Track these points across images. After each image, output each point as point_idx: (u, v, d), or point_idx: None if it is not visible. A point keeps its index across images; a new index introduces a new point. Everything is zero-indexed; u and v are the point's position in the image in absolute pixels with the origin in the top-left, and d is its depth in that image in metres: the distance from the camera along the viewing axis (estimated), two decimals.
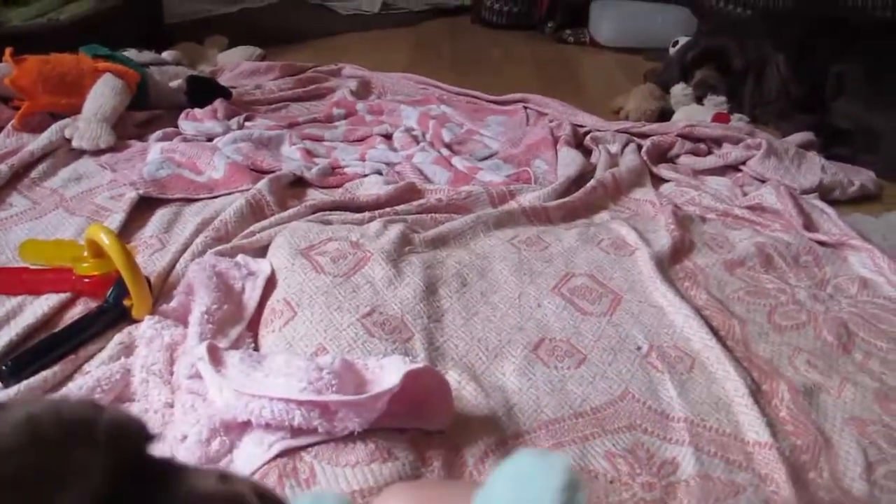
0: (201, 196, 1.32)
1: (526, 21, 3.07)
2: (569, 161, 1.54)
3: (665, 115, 1.99)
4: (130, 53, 1.70)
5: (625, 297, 1.10)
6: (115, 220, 1.20)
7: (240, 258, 1.08)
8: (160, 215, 1.25)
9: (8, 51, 1.54)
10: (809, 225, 1.40)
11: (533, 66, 2.58)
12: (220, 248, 1.12)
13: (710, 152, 1.72)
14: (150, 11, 2.26)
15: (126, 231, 1.20)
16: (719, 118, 1.87)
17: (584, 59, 2.76)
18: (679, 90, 2.02)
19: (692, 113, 1.92)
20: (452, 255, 1.14)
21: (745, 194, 1.55)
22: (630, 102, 1.96)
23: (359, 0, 3.26)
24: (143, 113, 1.65)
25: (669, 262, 1.22)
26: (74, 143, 1.45)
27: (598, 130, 1.75)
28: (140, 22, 2.12)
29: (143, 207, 1.28)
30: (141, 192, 1.27)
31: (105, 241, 0.96)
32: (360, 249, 1.09)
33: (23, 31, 1.83)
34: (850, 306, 1.15)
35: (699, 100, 2.05)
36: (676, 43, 2.67)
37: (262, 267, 1.05)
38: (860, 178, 1.68)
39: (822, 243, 1.34)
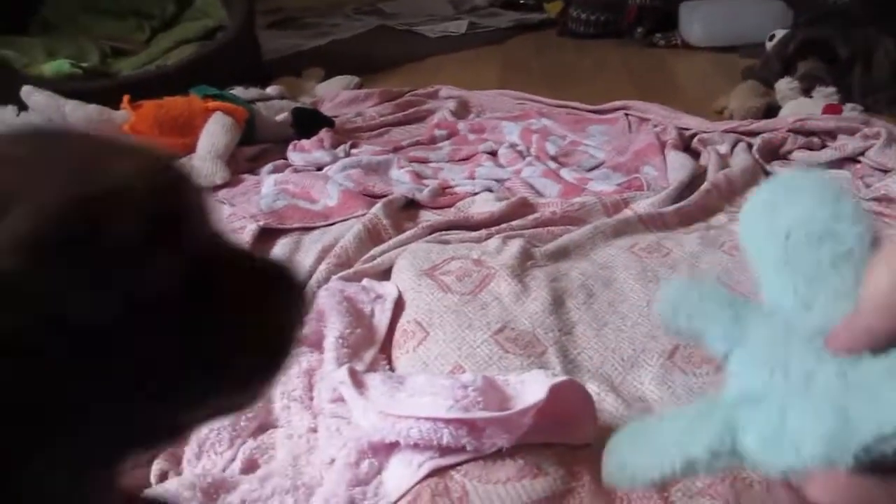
0: (318, 224, 1.34)
1: (614, 29, 3.04)
2: (679, 165, 1.51)
3: (772, 111, 1.93)
4: (237, 91, 1.75)
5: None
6: None
7: (365, 282, 1.10)
8: (282, 245, 1.28)
9: (125, 98, 1.61)
10: None
11: (626, 73, 2.55)
12: (343, 273, 1.14)
13: (824, 146, 1.66)
14: (250, 50, 2.32)
15: None
16: (831, 109, 1.80)
17: (679, 62, 2.72)
18: (785, 84, 1.96)
19: (801, 107, 1.86)
20: (575, 267, 1.13)
21: (867, 186, 1.49)
22: (733, 101, 1.91)
23: (445, 23, 3.29)
24: (254, 147, 1.69)
25: None
26: None
27: (705, 132, 1.71)
28: (241, 61, 2.18)
29: (265, 238, 1.31)
30: (261, 223, 1.30)
31: None
32: (483, 266, 1.09)
33: (134, 80, 1.91)
34: None
35: (806, 92, 1.98)
36: (773, 37, 2.60)
37: (388, 290, 1.06)
38: None
39: None
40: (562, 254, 1.16)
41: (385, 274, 1.16)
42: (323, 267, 1.16)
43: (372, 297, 1.05)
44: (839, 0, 2.88)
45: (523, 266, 1.10)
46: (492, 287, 1.04)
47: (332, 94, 2.12)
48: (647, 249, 1.20)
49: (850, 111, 1.81)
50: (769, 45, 2.60)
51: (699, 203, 1.37)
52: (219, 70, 2.05)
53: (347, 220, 1.35)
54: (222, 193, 1.49)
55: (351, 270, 1.15)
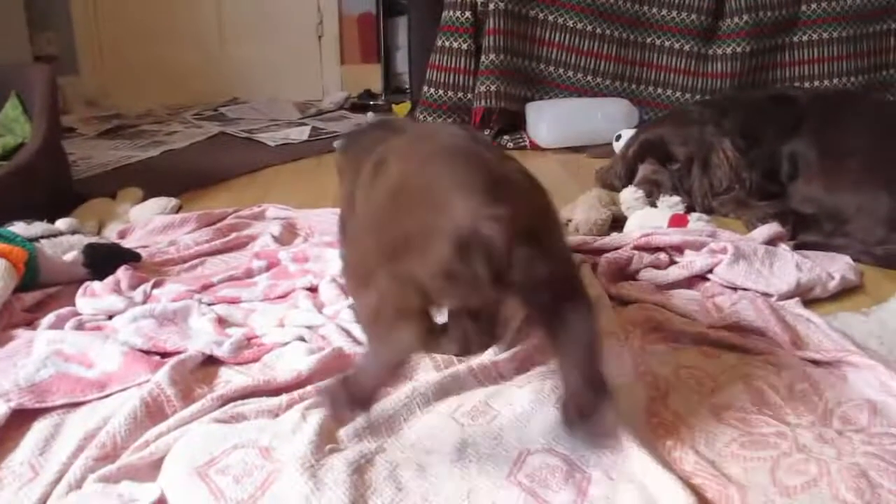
0: (90, 397, 1.11)
1: None
2: None
3: (619, 221, 1.84)
4: (17, 228, 1.51)
5: (593, 476, 0.91)
6: None
7: (123, 487, 0.88)
8: (37, 431, 1.04)
9: None
10: (797, 340, 1.24)
11: None
12: (103, 471, 0.92)
13: (672, 262, 1.56)
14: (54, 172, 2.08)
15: None
16: (677, 220, 1.72)
17: (526, 165, 2.61)
18: (630, 194, 1.87)
19: (646, 218, 1.77)
20: (383, 450, 0.94)
21: (717, 307, 1.39)
22: (578, 213, 1.80)
23: (288, 129, 3.13)
24: (36, 293, 1.45)
25: (645, 416, 1.03)
26: None
27: None
28: (42, 186, 1.93)
29: (22, 419, 1.07)
30: (12, 404, 1.07)
31: None
32: (269, 459, 0.89)
33: None
34: (864, 444, 0.97)
35: (650, 197, 1.91)
36: (619, 137, 2.57)
37: (145, 497, 0.85)
38: (838, 267, 1.54)
39: (814, 362, 1.17)
40: (369, 430, 0.98)
41: (160, 464, 0.94)
42: (80, 463, 0.93)
43: None
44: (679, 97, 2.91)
45: (320, 453, 0.90)
46: (276, 490, 0.84)
47: (145, 220, 1.90)
48: (472, 413, 1.03)
49: (697, 221, 1.73)
50: (615, 144, 2.57)
51: (538, 344, 1.22)
52: (13, 197, 1.80)
53: (128, 388, 1.13)
54: None
55: (114, 467, 0.92)
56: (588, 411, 0.89)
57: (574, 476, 0.90)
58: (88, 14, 4.00)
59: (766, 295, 1.40)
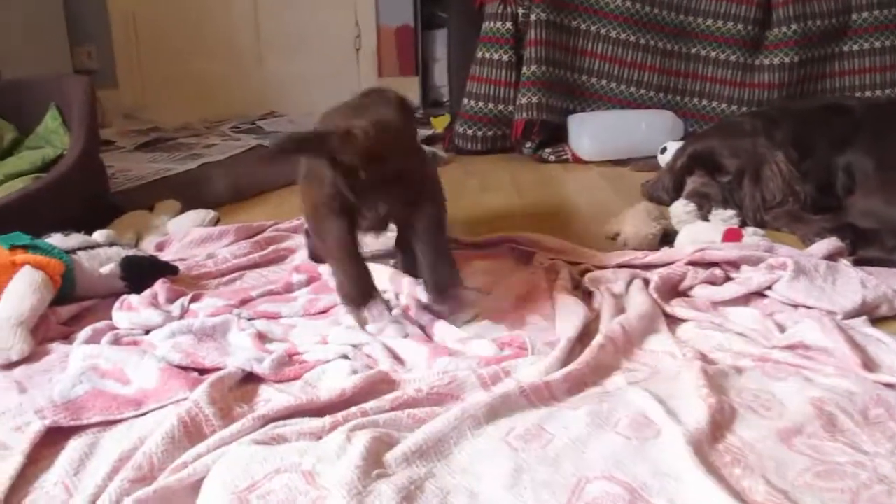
0: (126, 415, 1.07)
1: (503, 144, 2.91)
2: (568, 313, 1.31)
3: (668, 236, 1.77)
4: (54, 239, 1.48)
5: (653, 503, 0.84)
6: (8, 468, 0.94)
7: None
8: (71, 450, 1.00)
9: None
10: (868, 362, 1.16)
11: (514, 191, 2.39)
12: (140, 494, 0.87)
13: (727, 278, 1.49)
14: (92, 184, 2.06)
15: (24, 479, 0.95)
16: (731, 235, 1.65)
17: (569, 178, 2.58)
18: (681, 207, 1.81)
19: (698, 232, 1.70)
20: (433, 476, 0.88)
21: (778, 325, 1.32)
22: (627, 227, 1.74)
23: None
24: (73, 306, 1.43)
25: (710, 442, 0.97)
26: None
27: (598, 268, 1.53)
28: (79, 197, 1.92)
29: (57, 437, 1.03)
30: (47, 422, 1.03)
31: None
32: (314, 485, 0.84)
33: None
34: None
35: (701, 210, 1.84)
36: (665, 149, 2.51)
37: None
38: None
39: (888, 385, 1.10)
40: (418, 454, 0.92)
41: (198, 487, 0.90)
42: (115, 486, 0.89)
43: None
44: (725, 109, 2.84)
45: (367, 479, 0.85)
46: None
47: (183, 232, 1.87)
48: (525, 437, 0.97)
49: (752, 236, 1.65)
50: (660, 157, 2.50)
51: (591, 364, 1.16)
52: (51, 209, 1.79)
53: (165, 406, 1.09)
54: (18, 372, 1.21)
55: (151, 489, 0.88)
56: (443, 284, 1.32)
57: None
58: (128, 28, 4.02)
59: (830, 313, 1.33)
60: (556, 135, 2.84)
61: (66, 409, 1.06)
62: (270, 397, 1.12)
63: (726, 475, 0.91)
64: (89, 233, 1.61)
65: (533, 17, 2.77)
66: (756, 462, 0.93)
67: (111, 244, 1.55)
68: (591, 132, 2.73)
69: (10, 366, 1.23)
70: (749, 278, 1.43)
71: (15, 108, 2.33)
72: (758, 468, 0.92)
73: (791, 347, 1.21)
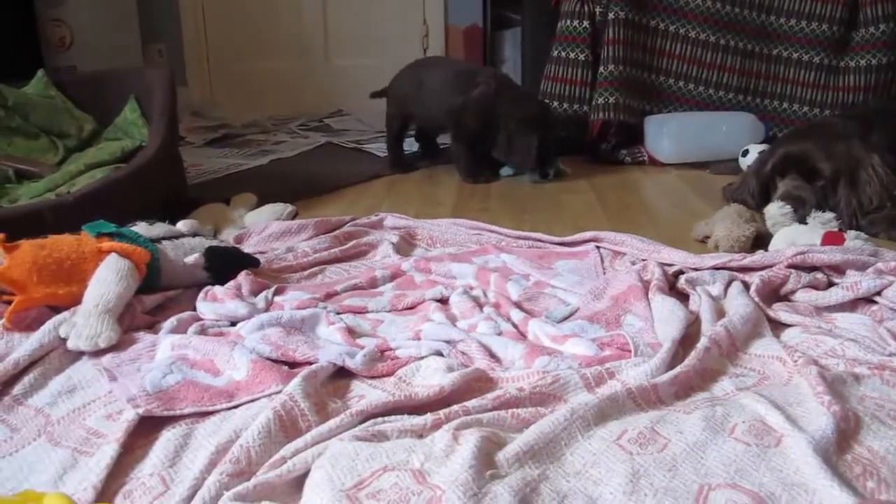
0: (219, 407, 1.05)
1: (577, 145, 2.85)
2: (667, 314, 1.25)
3: (760, 239, 1.70)
4: (139, 228, 1.47)
5: None
6: (104, 456, 0.92)
7: None
8: (165, 440, 0.98)
9: None
10: None
11: (592, 192, 2.33)
12: (239, 489, 0.84)
13: (830, 282, 1.42)
14: (170, 176, 2.06)
15: (119, 469, 0.92)
16: (831, 238, 1.57)
17: (647, 180, 2.51)
18: (777, 209, 1.73)
19: (796, 235, 1.63)
20: (547, 478, 0.84)
21: (892, 333, 1.24)
22: (718, 230, 1.67)
23: None
24: (157, 295, 1.41)
25: (837, 452, 0.90)
26: (70, 345, 1.20)
27: (693, 269, 1.47)
28: (159, 188, 1.91)
29: (149, 427, 1.01)
30: (140, 411, 1.00)
31: None
32: (426, 484, 0.80)
33: (21, 213, 1.62)
34: None
35: (799, 218, 1.76)
36: (746, 152, 2.43)
37: None
38: None
39: None
40: (530, 455, 0.88)
41: (298, 482, 0.86)
42: (214, 479, 0.86)
43: None
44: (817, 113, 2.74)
45: (481, 479, 0.81)
46: None
47: (261, 226, 1.85)
48: (639, 441, 0.92)
49: (854, 240, 1.58)
50: (742, 161, 2.42)
51: (697, 367, 1.10)
52: (130, 199, 1.78)
53: (257, 399, 1.06)
54: (107, 360, 1.19)
55: (250, 485, 0.85)
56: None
57: None
58: (197, 27, 4.06)
59: None
60: (632, 136, 2.78)
61: (158, 399, 1.04)
62: (364, 393, 1.09)
63: (860, 489, 0.84)
64: (172, 223, 1.59)
65: (611, 15, 2.71)
66: (890, 475, 0.87)
67: (194, 234, 1.53)
68: (671, 134, 2.66)
69: (98, 353, 1.21)
70: (857, 283, 1.35)
71: (94, 100, 2.35)
72: (892, 481, 0.86)
73: None
